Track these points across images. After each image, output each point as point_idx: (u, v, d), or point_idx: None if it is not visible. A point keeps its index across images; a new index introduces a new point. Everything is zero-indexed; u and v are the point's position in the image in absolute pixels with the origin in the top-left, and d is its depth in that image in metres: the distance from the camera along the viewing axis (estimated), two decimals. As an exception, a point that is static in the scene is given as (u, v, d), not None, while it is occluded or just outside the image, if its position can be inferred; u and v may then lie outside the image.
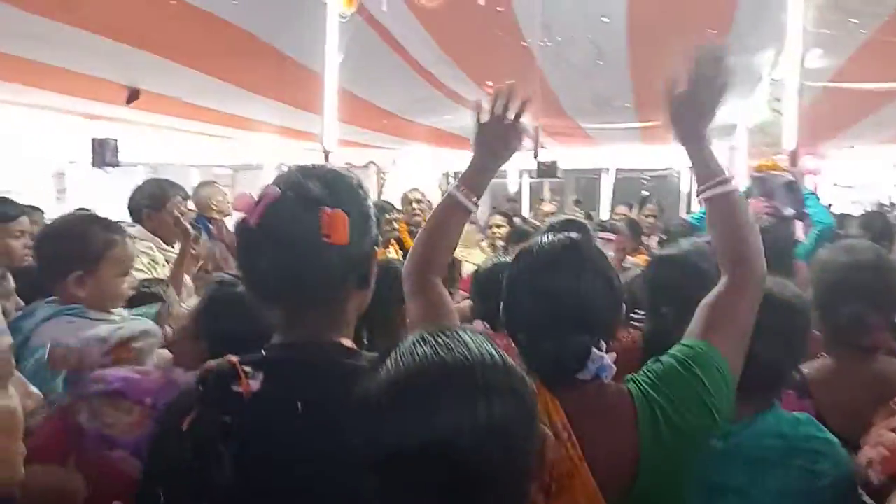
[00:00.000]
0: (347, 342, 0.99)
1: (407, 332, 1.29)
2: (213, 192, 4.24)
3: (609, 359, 1.10)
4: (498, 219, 4.61)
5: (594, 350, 1.09)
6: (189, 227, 2.64)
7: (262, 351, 0.98)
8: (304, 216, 0.91)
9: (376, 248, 1.03)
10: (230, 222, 4.28)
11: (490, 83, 6.82)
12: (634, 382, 1.13)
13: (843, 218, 4.88)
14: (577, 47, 5.29)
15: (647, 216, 5.31)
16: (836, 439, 1.24)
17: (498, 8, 4.32)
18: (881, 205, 9.79)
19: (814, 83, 5.67)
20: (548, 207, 5.14)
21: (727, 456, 1.18)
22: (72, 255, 1.69)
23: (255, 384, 0.93)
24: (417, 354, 0.77)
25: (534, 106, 6.20)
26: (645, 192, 14.86)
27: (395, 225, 4.34)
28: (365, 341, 1.78)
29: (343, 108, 5.92)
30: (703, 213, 3.86)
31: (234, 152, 11.20)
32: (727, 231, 1.20)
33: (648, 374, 1.13)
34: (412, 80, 6.13)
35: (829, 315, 1.59)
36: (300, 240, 0.91)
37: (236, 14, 4.35)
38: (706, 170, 1.24)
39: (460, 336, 0.79)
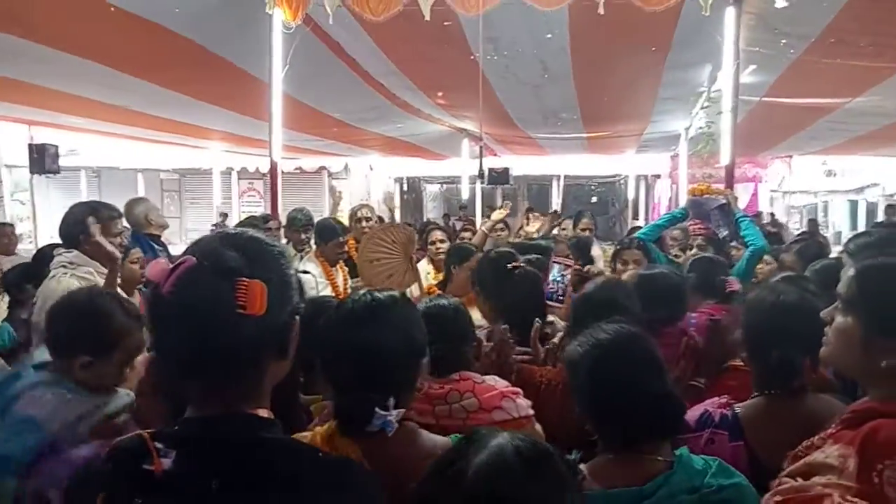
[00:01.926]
0: (263, 412, 0.96)
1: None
2: (147, 207, 4.14)
3: (394, 416, 1.17)
4: (438, 234, 4.60)
5: (377, 410, 1.16)
6: (114, 251, 2.53)
7: (175, 426, 0.94)
8: (219, 286, 0.88)
9: (297, 316, 1.00)
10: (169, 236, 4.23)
11: (440, 94, 6.91)
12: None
13: (777, 240, 5.09)
14: (523, 62, 5.41)
15: (583, 230, 5.42)
16: (745, 482, 1.26)
17: (445, 22, 4.38)
18: (813, 221, 10.27)
19: (749, 97, 5.95)
20: (497, 215, 5.13)
21: None
22: (85, 338, 1.59)
23: (167, 462, 0.87)
24: (508, 456, 0.87)
25: (481, 115, 6.29)
26: (594, 199, 15.21)
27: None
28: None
29: (293, 115, 5.91)
30: (656, 225, 4.02)
31: (181, 157, 11.02)
32: None
33: None
34: (362, 90, 6.15)
35: (758, 357, 1.64)
36: (214, 311, 0.88)
37: (183, 25, 4.31)
38: None
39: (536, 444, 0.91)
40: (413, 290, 3.61)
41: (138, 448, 0.89)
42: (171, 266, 0.90)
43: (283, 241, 4.61)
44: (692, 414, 1.59)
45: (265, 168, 5.58)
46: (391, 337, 1.23)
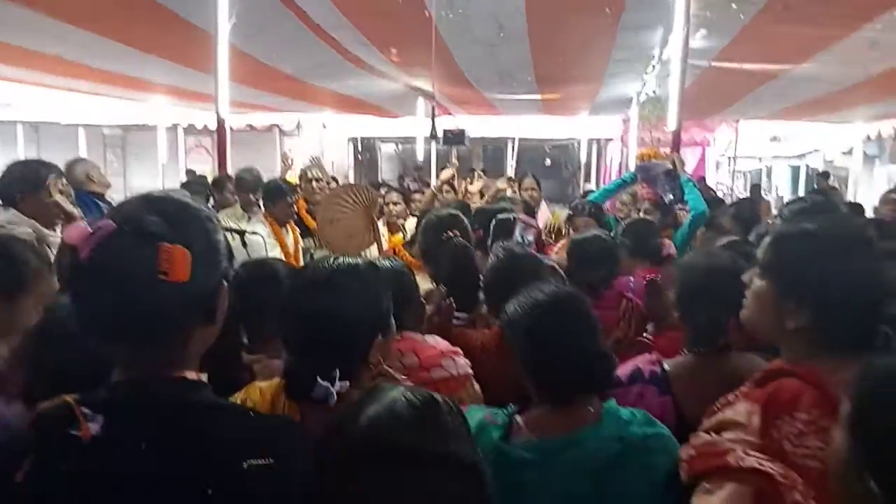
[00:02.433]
0: (192, 375, 0.96)
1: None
2: (88, 166, 4.00)
3: (338, 387, 1.15)
4: (394, 196, 4.58)
5: (319, 380, 1.15)
6: (72, 208, 2.49)
7: (102, 390, 0.93)
8: (140, 252, 0.87)
9: (226, 281, 0.99)
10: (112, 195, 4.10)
11: (394, 51, 6.77)
12: None
13: (716, 204, 5.21)
14: (478, 20, 5.33)
15: (525, 191, 5.45)
16: (668, 432, 1.33)
17: (399, -24, 4.28)
18: (756, 186, 10.58)
19: (699, 62, 6.02)
20: (445, 174, 5.12)
21: (574, 465, 1.24)
22: None
23: (94, 427, 0.87)
24: (401, 412, 0.87)
25: (434, 74, 6.19)
26: (548, 162, 15.28)
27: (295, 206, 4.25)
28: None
29: (241, 70, 5.71)
30: (606, 189, 4.08)
31: (125, 112, 10.57)
32: None
33: None
34: (313, 44, 5.98)
35: (689, 317, 1.73)
36: (134, 277, 0.87)
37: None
38: None
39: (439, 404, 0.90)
40: (372, 252, 3.60)
41: (64, 413, 0.88)
42: (90, 231, 0.88)
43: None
44: (624, 370, 1.67)
45: (213, 125, 5.40)
46: (345, 307, 1.22)
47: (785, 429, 1.11)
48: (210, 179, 6.10)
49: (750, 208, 3.73)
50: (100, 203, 3.80)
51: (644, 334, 2.24)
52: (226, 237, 1.01)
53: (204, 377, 1.00)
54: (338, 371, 1.17)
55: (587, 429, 1.28)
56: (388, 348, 1.33)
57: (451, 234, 2.37)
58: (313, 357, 1.19)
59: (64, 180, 2.72)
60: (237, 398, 1.30)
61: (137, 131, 11.40)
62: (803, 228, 1.27)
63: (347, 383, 1.18)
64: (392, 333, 1.31)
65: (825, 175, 10.04)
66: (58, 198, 2.48)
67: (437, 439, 0.85)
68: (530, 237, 3.25)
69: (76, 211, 2.51)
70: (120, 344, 0.93)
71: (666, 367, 1.68)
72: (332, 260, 1.28)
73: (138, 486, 0.87)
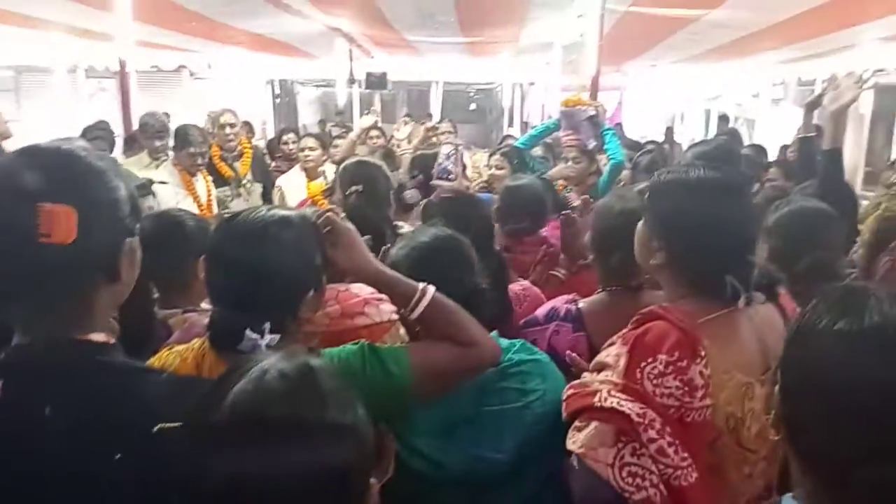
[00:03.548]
0: (99, 337, 0.93)
1: (202, 286, 1.27)
2: None
3: (267, 341, 1.14)
4: (310, 141, 4.44)
5: (248, 333, 1.13)
6: None
7: (1, 354, 0.90)
8: (17, 213, 0.82)
9: (131, 237, 0.95)
10: (10, 146, 3.80)
11: (310, -12, 6.48)
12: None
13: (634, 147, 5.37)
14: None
15: (442, 135, 5.38)
16: (545, 358, 1.44)
17: None
18: (669, 129, 10.93)
19: (616, 7, 6.09)
20: (365, 122, 4.99)
21: (455, 390, 1.30)
22: None
23: None
24: (272, 385, 0.81)
25: (352, 13, 5.99)
26: (472, 106, 15.24)
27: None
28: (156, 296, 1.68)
29: (145, 7, 5.34)
30: (532, 136, 4.12)
31: (16, 52, 9.70)
32: (449, 329, 1.25)
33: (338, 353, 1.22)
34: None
35: (602, 258, 1.81)
36: (11, 241, 0.83)
37: None
38: (400, 293, 1.27)
39: (314, 371, 0.84)
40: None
41: None
42: None
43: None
44: (542, 310, 1.78)
45: (116, 66, 5.04)
46: (278, 259, 1.18)
47: (647, 369, 1.19)
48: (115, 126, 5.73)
49: (661, 154, 3.88)
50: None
51: (557, 269, 2.34)
52: (131, 189, 0.96)
53: (114, 339, 0.96)
54: (267, 325, 1.14)
55: None
56: (320, 304, 1.31)
57: (353, 189, 2.40)
58: (243, 309, 1.16)
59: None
60: (151, 364, 1.26)
61: (32, 73, 10.50)
62: (678, 176, 1.36)
63: (277, 337, 1.16)
64: (323, 289, 1.29)
65: (725, 118, 10.50)
66: None
67: (311, 407, 0.82)
68: (453, 155, 3.41)
69: None
70: (11, 309, 0.89)
71: (581, 305, 1.76)
72: (265, 210, 1.24)
73: (41, 451, 0.84)
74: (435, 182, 3.20)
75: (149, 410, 0.88)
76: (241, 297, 1.18)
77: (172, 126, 4.24)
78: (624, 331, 1.30)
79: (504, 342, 1.41)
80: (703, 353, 1.20)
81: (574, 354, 1.51)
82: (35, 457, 0.85)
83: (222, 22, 7.40)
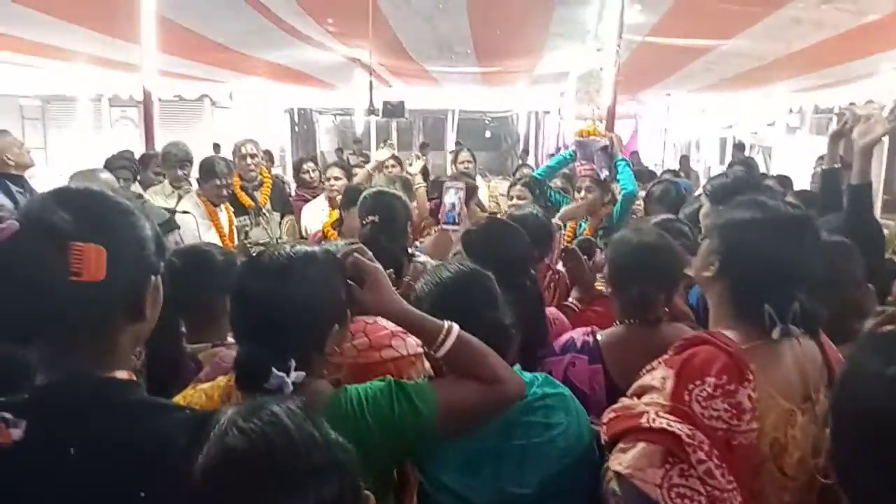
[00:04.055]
0: (122, 374, 0.93)
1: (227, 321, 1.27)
2: (8, 144, 3.69)
3: (292, 378, 1.13)
4: (335, 171, 4.49)
5: (274, 370, 1.12)
6: None
7: (25, 394, 0.89)
8: (47, 253, 0.83)
9: (156, 275, 0.96)
10: (37, 172, 3.87)
11: (330, 20, 6.61)
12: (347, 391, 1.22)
13: (648, 176, 5.37)
14: (416, -8, 5.27)
15: (461, 164, 5.38)
16: (567, 391, 1.43)
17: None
18: (685, 157, 10.94)
19: (633, 37, 6.14)
20: (381, 155, 4.95)
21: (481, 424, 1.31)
22: None
23: (17, 433, 0.84)
24: (233, 444, 0.81)
25: (372, 45, 6.09)
26: (488, 134, 15.34)
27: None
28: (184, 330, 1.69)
29: (169, 39, 5.48)
30: (549, 166, 4.14)
31: (44, 82, 9.95)
32: (474, 367, 1.25)
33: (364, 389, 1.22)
34: (244, 12, 5.78)
35: (620, 291, 1.83)
36: (42, 280, 0.83)
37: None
38: (426, 332, 1.27)
39: (278, 417, 0.84)
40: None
41: None
42: None
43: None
44: (559, 341, 1.78)
45: (139, 95, 5.16)
46: (301, 294, 1.18)
47: (695, 392, 1.20)
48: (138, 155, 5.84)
49: (677, 191, 3.89)
50: (12, 187, 3.55)
51: (570, 300, 2.35)
52: (155, 228, 0.98)
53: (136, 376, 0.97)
54: (293, 361, 1.14)
55: None
56: (344, 338, 1.32)
57: (369, 220, 2.41)
58: (268, 347, 1.15)
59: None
60: (176, 402, 1.25)
61: (58, 102, 10.75)
62: (751, 216, 1.37)
63: (303, 374, 1.15)
64: (347, 324, 1.29)
65: (740, 147, 10.49)
66: None
67: (283, 461, 0.82)
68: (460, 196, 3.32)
69: None
70: (37, 347, 0.89)
71: (598, 337, 1.77)
72: (288, 246, 1.25)
73: (66, 492, 0.85)
74: (443, 227, 3.10)
75: (173, 449, 0.88)
76: (267, 335, 1.17)
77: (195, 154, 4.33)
78: (666, 355, 1.31)
79: (528, 376, 1.41)
80: (750, 377, 1.21)
81: None
82: (60, 497, 0.85)
83: (244, 52, 7.57)
